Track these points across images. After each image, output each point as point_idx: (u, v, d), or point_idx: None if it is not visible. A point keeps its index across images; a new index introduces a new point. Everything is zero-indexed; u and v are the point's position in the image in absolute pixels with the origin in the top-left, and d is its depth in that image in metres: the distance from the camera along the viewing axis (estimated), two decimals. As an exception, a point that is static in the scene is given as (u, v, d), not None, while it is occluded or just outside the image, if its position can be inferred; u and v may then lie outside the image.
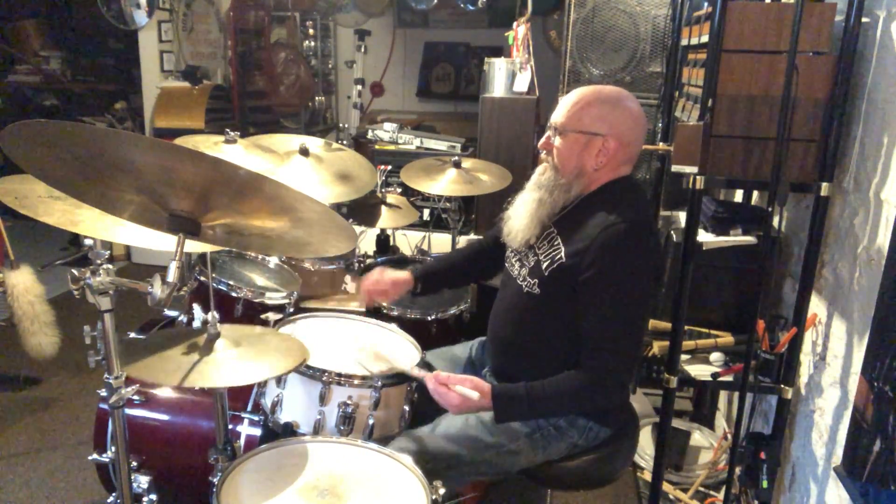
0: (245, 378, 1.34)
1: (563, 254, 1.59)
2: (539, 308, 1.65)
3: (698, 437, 2.73)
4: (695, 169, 1.83)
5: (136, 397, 1.85)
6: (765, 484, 1.96)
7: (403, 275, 1.96)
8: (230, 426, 1.80)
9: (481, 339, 1.96)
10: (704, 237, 2.06)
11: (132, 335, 2.01)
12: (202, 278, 2.13)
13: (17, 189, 1.44)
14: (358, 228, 2.76)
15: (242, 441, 1.84)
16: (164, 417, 1.92)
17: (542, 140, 1.70)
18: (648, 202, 1.87)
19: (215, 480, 1.39)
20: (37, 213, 1.41)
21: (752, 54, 1.76)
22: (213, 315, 1.40)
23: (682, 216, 2.47)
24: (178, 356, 1.33)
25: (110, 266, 1.25)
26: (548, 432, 1.65)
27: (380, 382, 1.61)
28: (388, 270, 1.97)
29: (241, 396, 1.87)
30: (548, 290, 1.62)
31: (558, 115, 1.66)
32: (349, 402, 1.58)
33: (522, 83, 3.23)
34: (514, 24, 3.47)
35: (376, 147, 4.03)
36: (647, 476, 2.52)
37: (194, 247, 1.46)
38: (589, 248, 1.54)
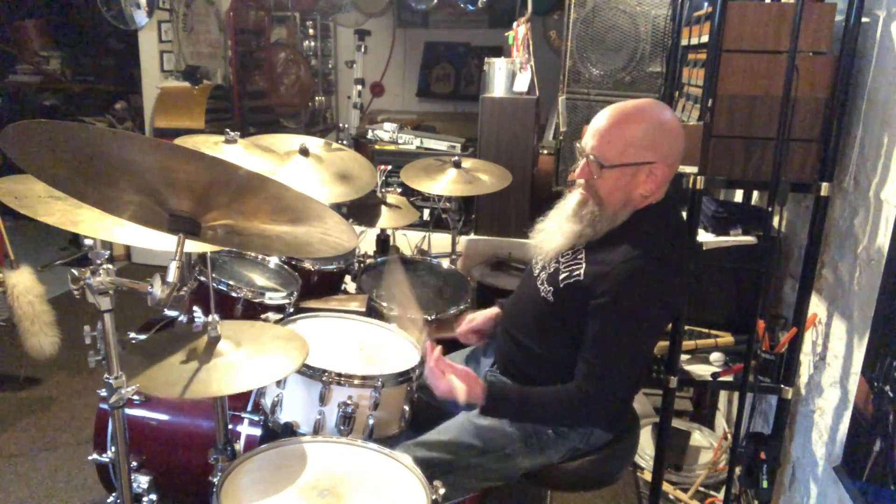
0: (247, 384, 1.34)
1: (582, 272, 1.57)
2: (551, 315, 1.64)
3: (698, 437, 2.73)
4: (695, 169, 1.83)
5: (136, 397, 1.84)
6: (765, 484, 1.96)
7: (492, 311, 1.91)
8: (230, 426, 1.80)
9: (476, 346, 1.96)
10: (704, 237, 2.06)
11: (132, 335, 2.01)
12: (202, 278, 2.13)
13: (17, 189, 1.43)
14: (358, 228, 2.75)
15: (242, 441, 1.84)
16: (164, 417, 1.92)
17: (579, 169, 1.60)
18: (683, 228, 1.77)
19: (215, 480, 1.39)
20: (37, 213, 1.41)
21: (752, 54, 1.76)
22: (213, 318, 1.40)
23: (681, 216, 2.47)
24: (178, 364, 1.34)
25: (110, 266, 1.25)
26: (546, 436, 1.65)
27: (380, 382, 1.61)
28: (475, 314, 1.93)
29: (241, 396, 1.87)
30: (561, 301, 1.61)
31: (598, 146, 1.55)
32: (349, 402, 1.57)
33: (522, 83, 3.22)
34: (514, 24, 3.47)
35: (376, 147, 4.02)
36: (647, 476, 2.52)
37: (194, 247, 1.46)
38: (608, 274, 1.52)
